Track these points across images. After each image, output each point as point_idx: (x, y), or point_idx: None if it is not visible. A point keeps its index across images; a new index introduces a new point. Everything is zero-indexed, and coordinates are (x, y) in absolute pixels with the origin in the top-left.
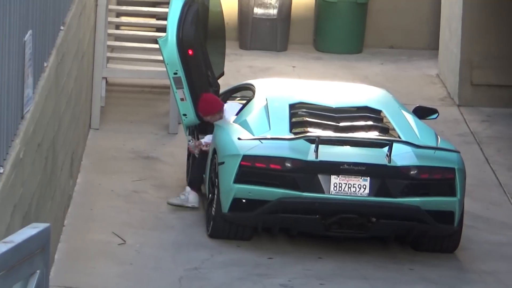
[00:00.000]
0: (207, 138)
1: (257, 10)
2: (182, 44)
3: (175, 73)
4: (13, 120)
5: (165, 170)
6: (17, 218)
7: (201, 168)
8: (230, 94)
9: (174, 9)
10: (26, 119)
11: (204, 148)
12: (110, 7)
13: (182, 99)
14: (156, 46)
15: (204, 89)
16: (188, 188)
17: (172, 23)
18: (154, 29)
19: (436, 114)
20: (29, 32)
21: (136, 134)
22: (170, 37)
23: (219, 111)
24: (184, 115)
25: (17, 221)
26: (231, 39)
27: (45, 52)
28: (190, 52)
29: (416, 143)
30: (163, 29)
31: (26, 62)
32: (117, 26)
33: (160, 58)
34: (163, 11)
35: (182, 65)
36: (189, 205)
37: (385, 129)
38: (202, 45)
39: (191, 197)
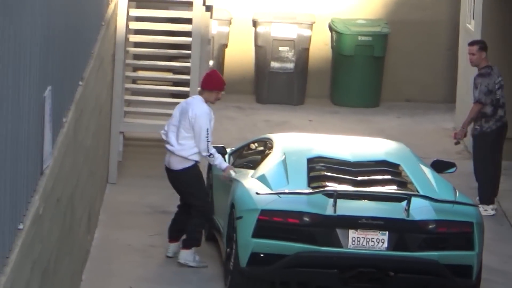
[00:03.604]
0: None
1: (274, 64)
2: None
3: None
4: (32, 176)
5: None
6: (36, 274)
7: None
8: (247, 148)
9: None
10: (45, 175)
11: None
12: (127, 61)
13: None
14: (173, 100)
15: None
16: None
17: None
18: (171, 83)
19: (454, 168)
20: (49, 88)
21: (153, 188)
22: None
23: (217, 91)
24: None
25: (36, 277)
26: (248, 93)
27: (64, 107)
28: None
29: (434, 197)
30: (180, 83)
31: (45, 117)
32: (134, 81)
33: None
34: (179, 65)
35: None
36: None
37: (403, 183)
38: None
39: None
